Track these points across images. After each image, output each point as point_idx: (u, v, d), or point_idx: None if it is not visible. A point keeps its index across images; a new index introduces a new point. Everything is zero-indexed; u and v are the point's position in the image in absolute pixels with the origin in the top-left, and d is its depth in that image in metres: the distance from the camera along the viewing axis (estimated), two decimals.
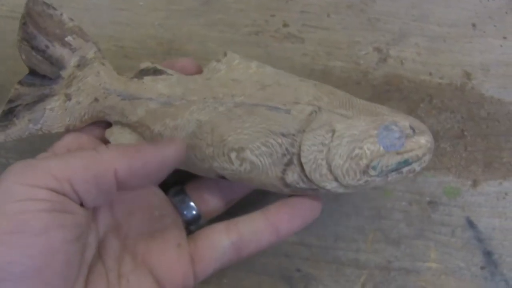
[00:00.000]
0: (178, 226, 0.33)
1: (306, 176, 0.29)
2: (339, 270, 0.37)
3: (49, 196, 0.25)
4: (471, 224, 0.37)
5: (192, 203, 0.34)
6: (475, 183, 0.38)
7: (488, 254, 0.37)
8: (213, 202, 0.34)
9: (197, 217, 0.34)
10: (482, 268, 0.36)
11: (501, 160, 0.38)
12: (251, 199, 0.36)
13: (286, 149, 0.29)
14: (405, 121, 0.29)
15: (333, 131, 0.29)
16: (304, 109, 0.30)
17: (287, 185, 0.30)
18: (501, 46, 0.40)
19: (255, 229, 0.31)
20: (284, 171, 0.29)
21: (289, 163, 0.29)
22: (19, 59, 0.39)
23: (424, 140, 0.29)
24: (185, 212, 0.33)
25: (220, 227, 0.32)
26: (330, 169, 0.29)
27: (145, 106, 0.31)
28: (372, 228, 0.37)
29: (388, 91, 0.39)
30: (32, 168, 0.26)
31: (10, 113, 0.31)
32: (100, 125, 0.33)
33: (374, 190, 0.31)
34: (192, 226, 0.34)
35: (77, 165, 0.27)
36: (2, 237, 0.24)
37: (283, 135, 0.29)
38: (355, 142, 0.29)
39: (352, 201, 0.37)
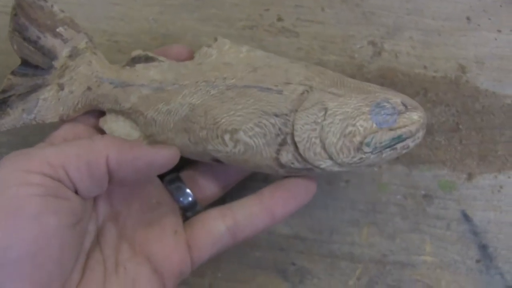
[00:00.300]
0: (174, 213, 0.33)
1: (300, 155, 0.29)
2: (334, 263, 0.37)
3: (43, 181, 0.26)
4: (466, 217, 0.37)
5: (187, 190, 0.34)
6: (470, 177, 0.38)
7: (483, 247, 0.37)
8: (208, 188, 0.34)
9: (194, 204, 0.34)
10: (478, 261, 0.36)
11: (496, 153, 0.38)
12: (247, 183, 0.36)
13: (280, 129, 0.29)
14: (397, 98, 0.30)
15: (326, 110, 0.29)
16: (296, 89, 0.30)
17: (282, 165, 0.30)
18: (495, 39, 0.40)
19: (250, 214, 0.31)
20: (278, 151, 0.30)
21: (283, 143, 0.29)
22: (12, 53, 0.39)
23: (416, 116, 0.29)
24: (181, 199, 0.33)
25: (215, 212, 0.32)
26: (324, 147, 0.29)
27: (138, 93, 0.32)
28: (367, 221, 0.37)
29: (383, 85, 0.38)
30: (27, 156, 0.27)
31: (4, 103, 0.32)
32: (95, 115, 0.34)
33: (369, 167, 0.31)
34: (189, 212, 0.34)
35: (72, 152, 0.27)
36: None
37: (276, 115, 0.29)
38: (348, 119, 0.29)
39: (347, 195, 0.37)
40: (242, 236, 0.31)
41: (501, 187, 0.37)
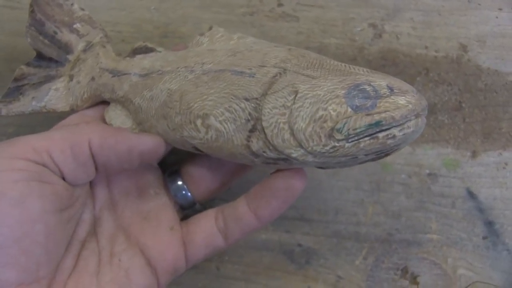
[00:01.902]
0: (172, 208, 0.33)
1: (269, 142, 0.27)
2: (340, 243, 0.37)
3: (26, 166, 0.26)
4: (471, 194, 0.37)
5: (184, 185, 0.33)
6: (474, 154, 0.38)
7: (489, 224, 0.36)
8: (204, 184, 0.33)
9: (192, 202, 0.33)
10: (484, 238, 0.36)
11: (500, 130, 0.38)
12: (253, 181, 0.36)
13: (249, 114, 0.27)
14: (381, 81, 0.26)
15: (296, 92, 0.26)
16: (268, 72, 0.28)
17: (254, 154, 0.27)
18: (496, 17, 0.40)
19: (237, 216, 0.30)
20: (248, 138, 0.27)
21: (253, 129, 0.27)
22: (16, 47, 0.39)
23: (403, 101, 0.25)
24: (177, 193, 0.33)
25: (210, 213, 0.32)
26: (292, 134, 0.26)
27: (129, 81, 0.32)
28: (372, 201, 0.37)
29: (384, 66, 0.39)
30: (13, 143, 0.27)
31: (17, 91, 0.33)
32: (104, 107, 0.34)
33: (351, 160, 0.26)
34: (187, 210, 0.34)
35: (56, 136, 0.27)
36: None
37: (246, 99, 0.27)
38: (319, 103, 0.25)
39: (351, 175, 0.37)
40: (233, 239, 0.31)
41: (506, 164, 0.37)
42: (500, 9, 0.40)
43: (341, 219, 0.37)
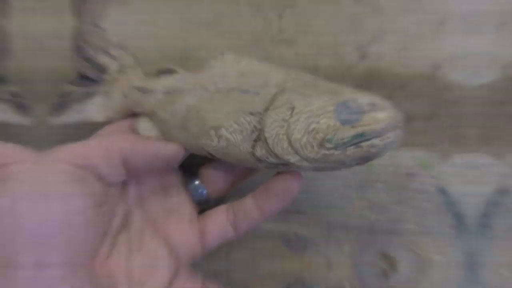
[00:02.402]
0: (190, 204, 0.37)
1: (271, 150, 0.30)
2: (331, 233, 0.42)
3: (70, 169, 0.29)
4: (443, 191, 0.42)
5: (200, 184, 0.37)
6: (445, 156, 0.42)
7: (458, 215, 0.41)
8: (217, 184, 0.37)
9: (207, 199, 0.37)
10: (453, 227, 0.41)
11: (467, 136, 0.42)
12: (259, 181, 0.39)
13: (254, 126, 0.31)
14: (365, 98, 0.29)
15: (293, 108, 0.30)
16: (270, 91, 0.31)
17: (258, 159, 0.31)
18: (466, 40, 0.44)
19: (245, 211, 0.34)
20: (253, 146, 0.31)
21: (257, 139, 0.31)
22: (61, 70, 0.44)
23: (382, 115, 0.28)
24: (194, 192, 0.37)
25: (222, 208, 0.36)
26: (290, 143, 0.30)
27: (155, 97, 0.36)
28: (358, 196, 0.42)
29: (369, 82, 0.43)
30: (58, 149, 0.31)
31: (62, 106, 0.39)
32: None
33: (340, 164, 0.30)
34: (203, 206, 0.37)
35: (94, 144, 0.31)
36: (32, 203, 0.28)
37: (252, 113, 0.31)
38: (312, 117, 0.29)
39: (340, 175, 0.42)
40: (241, 230, 0.35)
41: (473, 164, 0.42)
42: (470, 33, 0.45)
43: (332, 212, 0.42)
